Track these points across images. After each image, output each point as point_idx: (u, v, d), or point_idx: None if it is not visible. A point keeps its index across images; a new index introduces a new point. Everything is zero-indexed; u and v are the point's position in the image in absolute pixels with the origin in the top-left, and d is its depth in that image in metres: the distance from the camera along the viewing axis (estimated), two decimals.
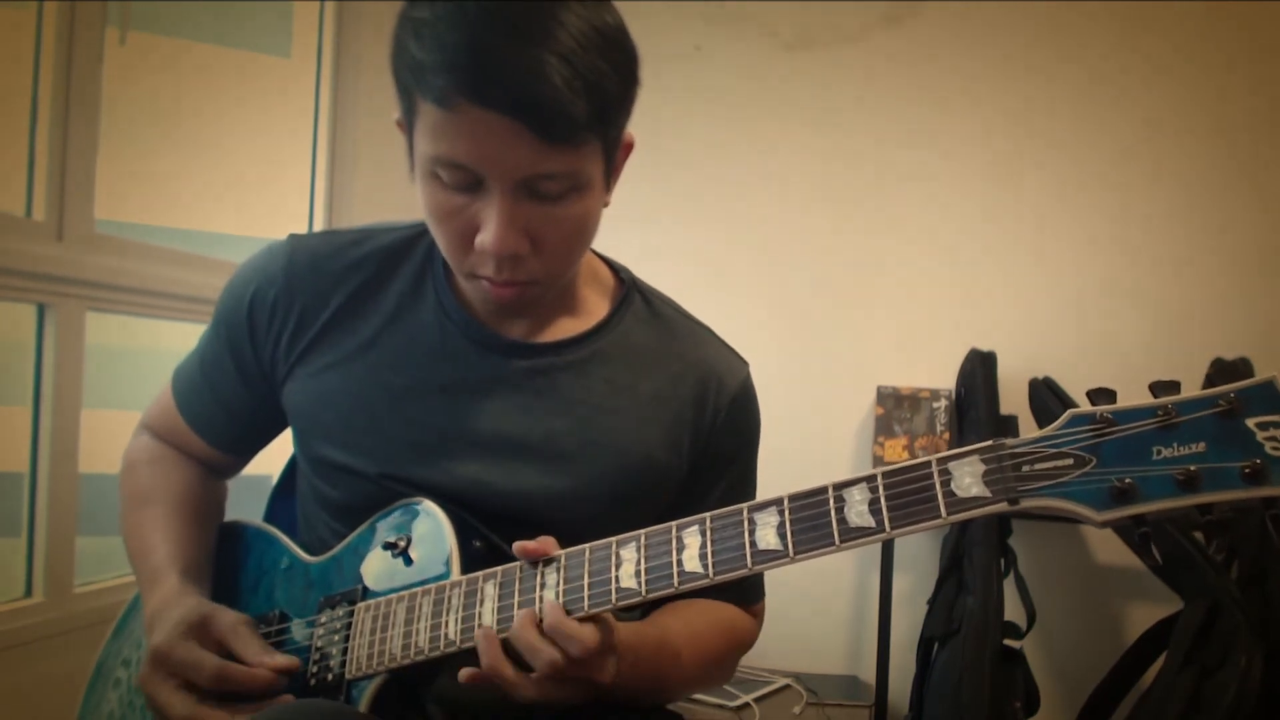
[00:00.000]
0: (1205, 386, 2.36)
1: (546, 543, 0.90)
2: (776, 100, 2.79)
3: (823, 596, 2.67)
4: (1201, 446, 0.68)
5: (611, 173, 0.97)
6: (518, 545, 0.89)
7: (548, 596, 0.87)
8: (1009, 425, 2.48)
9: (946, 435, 2.55)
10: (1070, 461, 0.72)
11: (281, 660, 0.95)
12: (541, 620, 0.85)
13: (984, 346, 2.59)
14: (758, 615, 1.15)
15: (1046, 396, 2.43)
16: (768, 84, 2.80)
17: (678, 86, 2.78)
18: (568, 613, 0.85)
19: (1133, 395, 0.73)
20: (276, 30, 2.51)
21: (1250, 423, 0.67)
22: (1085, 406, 0.73)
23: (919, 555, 2.64)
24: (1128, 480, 0.69)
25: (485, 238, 0.89)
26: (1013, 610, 2.24)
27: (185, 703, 0.93)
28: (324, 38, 2.47)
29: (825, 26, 2.77)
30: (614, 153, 0.95)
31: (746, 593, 1.12)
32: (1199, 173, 2.60)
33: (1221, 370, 2.36)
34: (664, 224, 2.78)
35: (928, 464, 0.76)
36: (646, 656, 0.94)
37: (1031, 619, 2.24)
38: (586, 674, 0.85)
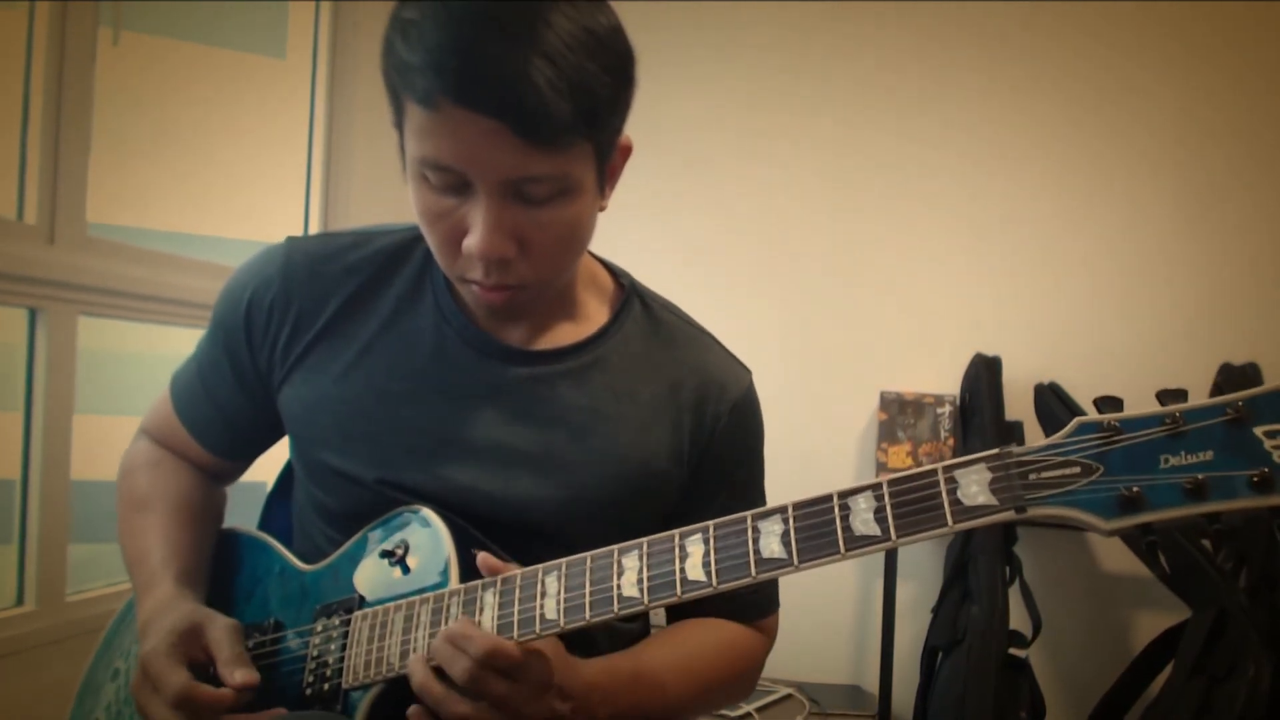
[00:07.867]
0: (1213, 392, 2.35)
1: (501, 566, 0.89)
2: (779, 103, 2.78)
3: (826, 605, 2.66)
4: (1209, 455, 0.68)
5: (606, 176, 0.96)
6: (482, 557, 0.89)
7: (548, 605, 0.85)
8: (1014, 431, 2.47)
9: (951, 441, 2.54)
10: (1077, 470, 0.71)
11: (240, 677, 0.92)
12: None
13: (989, 351, 2.58)
14: (766, 630, 1.12)
15: (1052, 402, 2.42)
16: (770, 85, 2.79)
17: (678, 87, 2.77)
18: (567, 622, 0.84)
19: (1140, 401, 0.72)
20: (271, 31, 2.51)
21: (1258, 431, 0.67)
22: (1092, 414, 0.73)
23: (923, 563, 2.62)
24: (1135, 489, 0.69)
25: (471, 241, 0.89)
26: (1018, 619, 2.23)
27: (166, 716, 0.91)
28: (319, 39, 2.47)
29: (827, 24, 2.76)
30: (607, 156, 0.94)
31: (750, 608, 1.10)
32: (1207, 176, 2.59)
33: (1229, 376, 2.35)
34: (665, 227, 2.77)
35: (934, 472, 0.75)
36: (620, 690, 0.93)
37: (1037, 628, 2.22)
38: (514, 696, 0.83)
